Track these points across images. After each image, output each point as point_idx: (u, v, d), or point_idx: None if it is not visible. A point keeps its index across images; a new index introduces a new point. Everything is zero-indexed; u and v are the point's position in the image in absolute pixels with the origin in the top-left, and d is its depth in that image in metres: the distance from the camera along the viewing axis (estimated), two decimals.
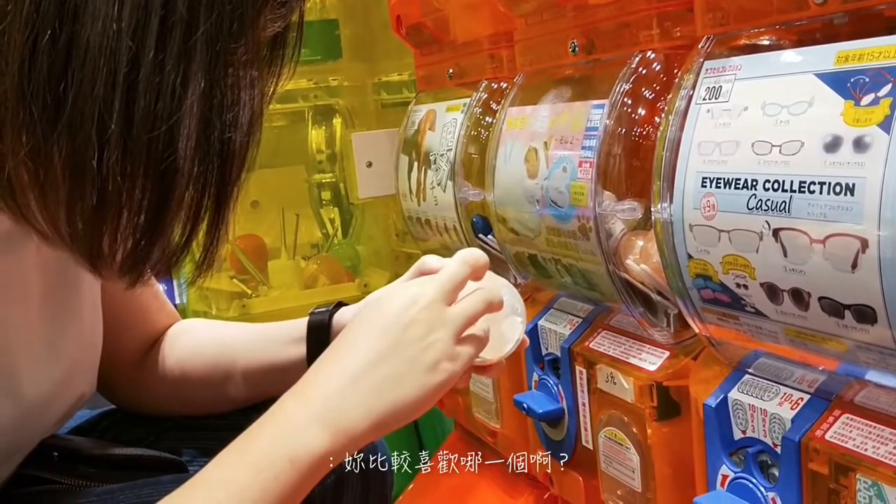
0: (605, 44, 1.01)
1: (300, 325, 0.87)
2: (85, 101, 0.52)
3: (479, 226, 1.30)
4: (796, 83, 0.72)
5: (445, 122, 1.32)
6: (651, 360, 0.98)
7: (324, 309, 0.88)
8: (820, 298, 0.70)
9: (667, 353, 0.98)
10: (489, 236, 1.25)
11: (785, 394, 0.81)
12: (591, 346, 1.07)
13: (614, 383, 1.01)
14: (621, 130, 0.95)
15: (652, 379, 0.96)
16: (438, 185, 1.31)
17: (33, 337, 0.73)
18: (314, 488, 0.67)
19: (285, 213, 1.63)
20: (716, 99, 0.80)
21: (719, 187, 0.77)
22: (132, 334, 0.90)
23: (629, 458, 1.01)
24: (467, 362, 0.72)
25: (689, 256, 0.82)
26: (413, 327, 0.69)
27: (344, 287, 1.62)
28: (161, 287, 0.94)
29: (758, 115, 0.75)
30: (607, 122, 0.95)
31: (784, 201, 0.71)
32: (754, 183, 0.73)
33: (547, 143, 1.04)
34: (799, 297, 0.72)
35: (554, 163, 1.02)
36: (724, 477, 0.86)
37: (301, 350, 0.86)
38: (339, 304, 0.89)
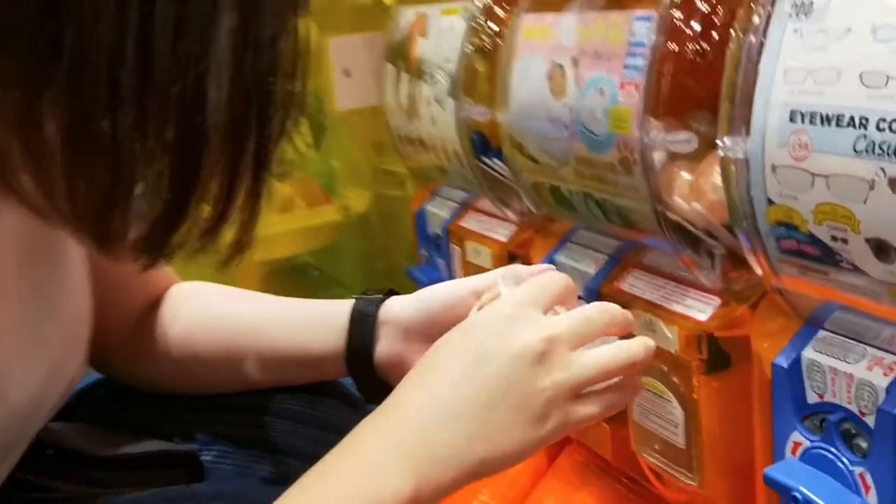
0: None
1: (340, 312, 0.74)
2: (87, 46, 0.38)
3: (479, 145, 1.17)
4: None
5: (441, 28, 1.17)
6: (699, 308, 0.88)
7: (372, 297, 0.74)
8: None
9: (716, 300, 0.87)
10: (494, 160, 1.12)
11: (874, 357, 0.71)
12: (623, 287, 0.96)
13: (653, 331, 0.91)
14: (672, 47, 0.82)
15: (701, 329, 0.86)
16: (436, 101, 1.17)
17: (15, 332, 0.59)
18: None
19: None
20: (805, 16, 0.67)
21: (814, 123, 0.65)
22: (123, 298, 0.77)
23: (670, 411, 0.92)
24: (583, 423, 0.60)
25: (770, 201, 0.70)
26: (533, 368, 0.55)
27: (323, 210, 1.48)
28: None
29: (867, 38, 0.62)
30: (655, 36, 0.81)
31: None
32: (864, 121, 0.61)
33: (576, 60, 0.90)
34: None
35: (587, 83, 0.89)
36: (797, 445, 0.77)
37: (339, 341, 0.73)
38: (391, 292, 0.76)
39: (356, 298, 0.75)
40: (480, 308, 0.65)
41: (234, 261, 0.53)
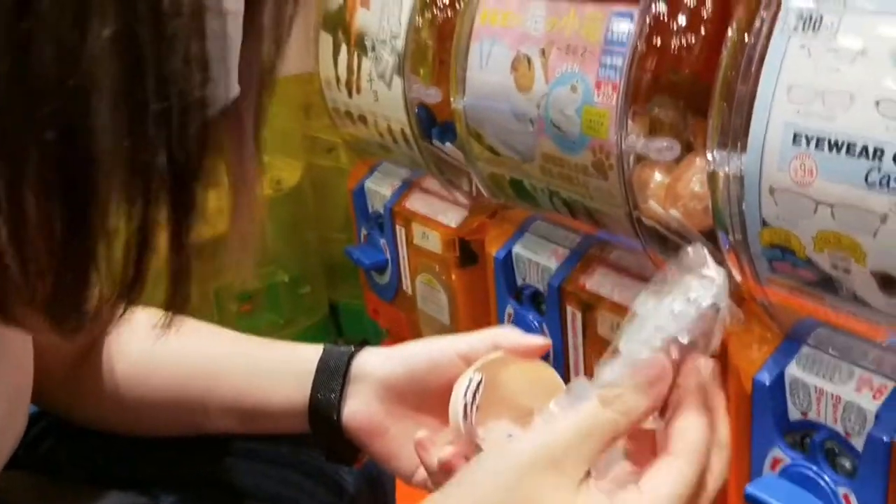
0: None
1: (305, 358, 0.66)
2: None
3: (425, 120, 1.11)
4: None
5: (386, 1, 1.10)
6: None
7: (342, 348, 0.66)
8: None
9: None
10: (447, 144, 1.07)
11: (861, 377, 0.70)
12: (588, 286, 0.93)
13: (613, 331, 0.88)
14: (654, 46, 0.78)
15: None
16: (380, 78, 1.10)
17: None
18: None
19: None
20: (813, 32, 0.63)
21: (821, 149, 0.62)
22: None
23: None
24: None
25: (764, 223, 0.67)
26: None
27: None
28: None
29: (885, 63, 0.59)
30: (639, 36, 0.77)
31: None
32: (879, 153, 0.59)
33: (545, 51, 0.85)
34: None
35: (557, 77, 0.84)
36: (777, 461, 0.76)
37: (303, 394, 0.65)
38: (364, 343, 0.68)
39: (324, 347, 0.67)
40: (473, 390, 0.58)
41: (170, 325, 0.46)
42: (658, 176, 0.83)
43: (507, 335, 0.60)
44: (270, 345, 0.70)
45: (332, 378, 0.63)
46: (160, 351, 0.69)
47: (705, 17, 0.77)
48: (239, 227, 0.45)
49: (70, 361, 0.70)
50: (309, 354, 0.65)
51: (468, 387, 0.56)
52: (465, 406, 0.56)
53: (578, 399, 0.47)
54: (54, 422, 0.73)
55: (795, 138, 0.64)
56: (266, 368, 0.66)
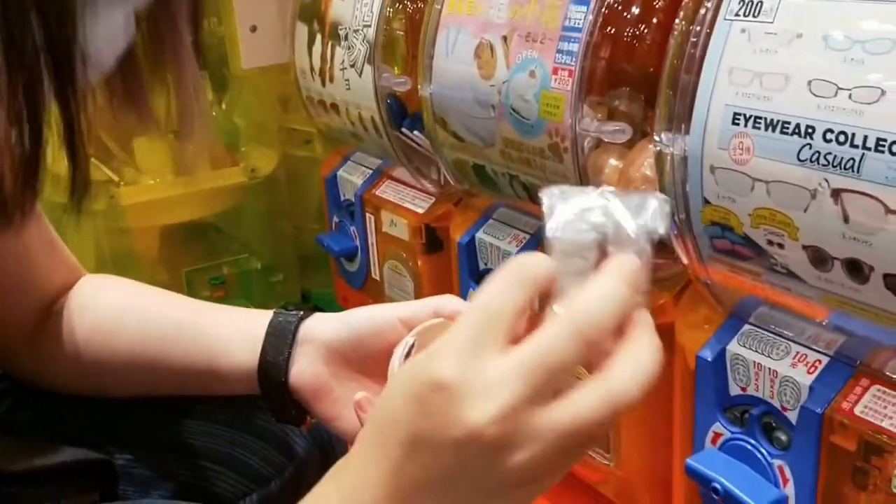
0: None
1: (256, 324, 0.67)
2: None
3: (395, 110, 1.14)
4: (879, 13, 0.59)
5: None
6: None
7: (292, 312, 0.67)
8: (886, 276, 0.60)
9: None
10: (415, 132, 1.09)
11: (798, 353, 0.73)
12: None
13: None
14: (608, 33, 0.80)
15: None
16: (352, 66, 1.13)
17: None
18: None
19: None
20: (754, 17, 0.66)
21: (758, 128, 0.65)
22: (25, 288, 0.70)
23: None
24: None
25: (706, 201, 0.70)
26: (486, 455, 0.41)
27: (228, 172, 1.41)
28: (55, 234, 0.74)
29: (818, 46, 0.62)
30: (594, 22, 0.80)
31: (852, 158, 0.59)
32: (810, 130, 0.62)
33: (507, 38, 0.88)
34: (856, 268, 0.62)
35: (517, 64, 0.87)
36: (717, 435, 0.79)
37: (252, 356, 0.65)
38: (315, 309, 0.70)
39: (275, 312, 0.70)
40: (406, 353, 0.59)
41: (78, 209, 0.49)
42: (613, 161, 0.86)
43: (448, 303, 0.62)
44: (224, 310, 0.72)
45: (280, 341, 0.65)
46: (117, 315, 0.72)
47: (658, 7, 0.80)
48: (187, 125, 0.49)
49: (30, 325, 0.72)
50: (260, 319, 0.67)
51: (404, 349, 0.58)
52: (391, 364, 0.58)
53: None
54: (15, 384, 0.75)
55: (735, 118, 0.66)
56: (218, 333, 0.69)
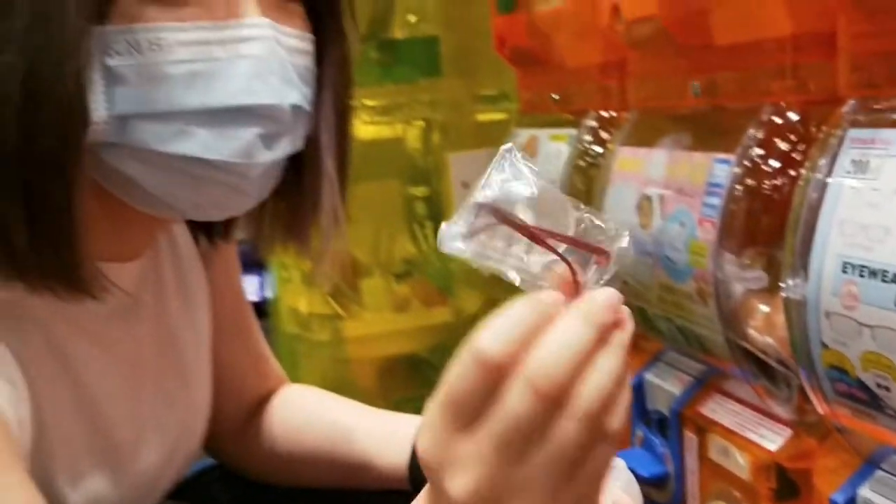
0: (731, 89, 0.92)
1: (408, 426, 0.81)
2: None
3: None
4: None
5: (548, 152, 1.25)
6: (771, 438, 0.90)
7: None
8: None
9: (788, 431, 0.90)
10: None
11: None
12: (703, 411, 0.99)
13: (727, 456, 0.94)
14: (748, 189, 0.87)
15: (772, 459, 0.89)
16: None
17: (143, 411, 0.70)
18: None
19: (378, 228, 1.58)
20: (862, 175, 0.71)
21: (863, 276, 0.69)
22: (239, 391, 0.87)
23: None
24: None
25: (824, 345, 0.74)
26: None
27: (437, 312, 1.57)
28: (268, 350, 0.90)
29: None
30: (733, 179, 0.87)
31: None
32: None
33: (663, 194, 0.97)
34: None
35: (670, 216, 0.95)
36: None
37: (404, 456, 0.79)
38: None
39: None
40: None
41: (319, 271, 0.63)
42: (763, 307, 0.91)
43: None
44: (388, 415, 0.85)
45: None
46: (307, 418, 0.86)
47: (796, 160, 0.85)
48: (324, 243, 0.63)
49: (239, 423, 0.88)
50: (415, 421, 0.79)
51: None
52: None
53: None
54: (222, 473, 0.90)
55: (844, 267, 0.71)
56: (382, 431, 0.81)
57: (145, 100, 0.57)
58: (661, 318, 1.00)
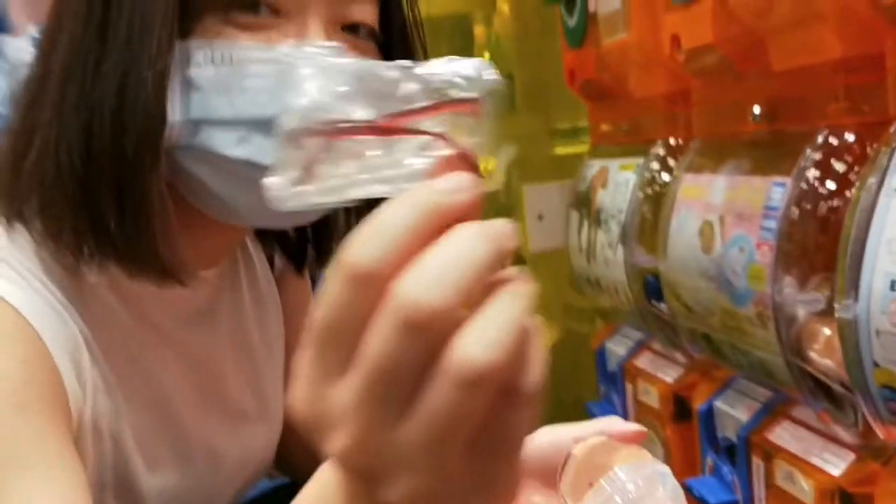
0: (789, 113, 0.93)
1: None
2: None
3: (652, 287, 1.24)
4: None
5: (618, 182, 1.27)
6: (834, 462, 0.89)
7: None
8: None
9: (852, 455, 0.89)
10: (662, 304, 1.19)
11: None
12: (770, 437, 0.99)
13: (792, 482, 0.93)
14: (804, 212, 0.87)
15: (835, 483, 0.88)
16: (609, 246, 1.26)
17: (223, 416, 0.75)
18: None
19: None
20: None
21: None
22: None
23: None
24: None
25: (875, 364, 0.73)
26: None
27: None
28: None
29: None
30: (789, 202, 0.87)
31: None
32: None
33: (723, 218, 0.97)
34: None
35: (730, 240, 0.95)
36: None
37: None
38: None
39: None
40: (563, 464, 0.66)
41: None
42: (826, 330, 0.90)
43: (613, 424, 0.71)
44: None
45: None
46: None
47: (852, 181, 0.85)
48: None
49: (313, 440, 0.91)
50: None
51: (564, 461, 0.69)
52: (557, 475, 0.68)
53: None
54: (295, 490, 0.94)
55: (892, 285, 0.71)
56: None
57: (214, 107, 0.63)
58: (726, 343, 1.00)
